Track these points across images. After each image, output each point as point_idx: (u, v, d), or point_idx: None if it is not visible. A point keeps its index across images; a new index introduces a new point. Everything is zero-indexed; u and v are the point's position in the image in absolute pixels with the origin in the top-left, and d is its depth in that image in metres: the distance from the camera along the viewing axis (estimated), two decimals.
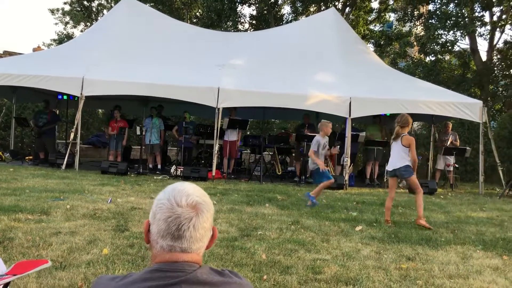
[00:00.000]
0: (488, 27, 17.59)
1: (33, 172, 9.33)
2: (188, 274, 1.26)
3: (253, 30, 22.60)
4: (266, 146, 13.00)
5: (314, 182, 7.93)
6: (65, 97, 12.81)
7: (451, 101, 10.65)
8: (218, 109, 10.24)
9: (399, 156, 6.05)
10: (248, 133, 17.31)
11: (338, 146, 9.92)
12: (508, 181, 10.90)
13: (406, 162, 5.98)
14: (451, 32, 17.77)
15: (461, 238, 5.35)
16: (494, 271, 4.02)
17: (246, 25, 24.64)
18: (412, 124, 12.39)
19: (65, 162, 10.32)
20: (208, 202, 1.35)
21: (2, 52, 19.30)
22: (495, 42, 18.20)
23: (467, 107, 10.54)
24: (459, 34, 17.76)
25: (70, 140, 10.67)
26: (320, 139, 7.35)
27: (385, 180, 12.13)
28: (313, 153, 7.31)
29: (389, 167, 6.20)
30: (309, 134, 11.37)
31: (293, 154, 13.44)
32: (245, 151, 14.77)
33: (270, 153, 13.96)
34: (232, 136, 11.45)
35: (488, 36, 17.92)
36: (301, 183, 10.94)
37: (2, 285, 1.63)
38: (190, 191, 1.33)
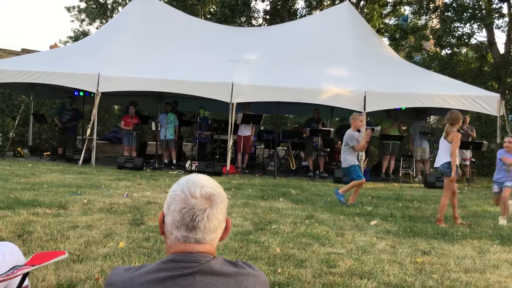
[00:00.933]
0: (506, 19, 17.23)
1: (50, 168, 9.49)
2: (202, 265, 1.27)
3: (267, 25, 22.53)
4: (280, 141, 12.98)
5: (347, 181, 7.57)
6: (81, 93, 12.96)
7: (468, 94, 10.49)
8: (232, 104, 10.26)
9: (444, 153, 5.91)
10: (262, 128, 17.30)
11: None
12: None
13: (449, 159, 5.81)
14: (468, 24, 17.46)
15: (478, 232, 5.29)
16: (511, 265, 3.97)
17: (260, 20, 24.58)
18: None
19: (81, 158, 10.46)
20: (221, 194, 1.36)
21: (20, 50, 19.58)
22: None
23: (484, 101, 10.38)
24: (476, 27, 17.45)
25: (87, 136, 10.81)
26: (355, 133, 7.07)
27: (400, 174, 12.07)
28: (354, 149, 7.03)
29: (436, 164, 6.12)
30: (324, 128, 11.36)
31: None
32: (259, 146, 14.77)
33: (284, 148, 13.94)
34: (246, 131, 11.46)
35: (506, 28, 17.56)
36: (316, 177, 10.92)
37: (21, 275, 1.67)
38: (204, 183, 1.35)
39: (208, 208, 1.31)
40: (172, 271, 1.26)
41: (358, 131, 7.35)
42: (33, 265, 1.69)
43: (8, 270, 1.65)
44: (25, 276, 1.71)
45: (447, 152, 5.85)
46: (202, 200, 1.31)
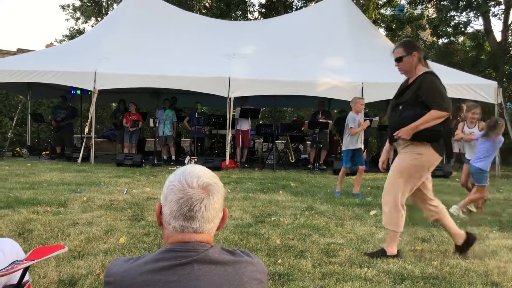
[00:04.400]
0: (502, 6, 17.21)
1: (50, 167, 9.49)
2: (200, 254, 1.29)
3: (262, 19, 22.47)
4: (279, 134, 12.98)
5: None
6: (78, 91, 12.94)
7: (465, 83, 10.50)
8: (230, 98, 10.25)
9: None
10: (261, 122, 17.30)
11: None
12: None
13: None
14: (464, 13, 17.44)
15: (477, 219, 5.32)
16: (510, 251, 4.00)
17: (256, 14, 24.53)
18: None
19: (80, 156, 10.47)
20: (218, 184, 1.37)
21: (16, 50, 19.52)
22: (509, 22, 17.80)
23: (481, 89, 10.40)
24: (472, 15, 17.43)
25: (85, 134, 10.81)
26: (356, 116, 6.93)
27: None
28: (353, 131, 6.85)
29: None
30: (322, 121, 11.35)
31: (308, 142, 13.41)
32: (258, 140, 14.77)
33: (283, 141, 13.94)
34: (245, 125, 11.46)
35: (503, 15, 17.55)
36: (315, 170, 10.93)
37: (21, 270, 1.68)
38: (200, 173, 1.35)
39: (205, 198, 1.32)
40: (171, 260, 1.27)
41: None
42: (33, 260, 1.70)
43: (8, 265, 1.66)
44: (25, 270, 1.72)
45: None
46: (199, 190, 1.32)
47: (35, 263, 1.73)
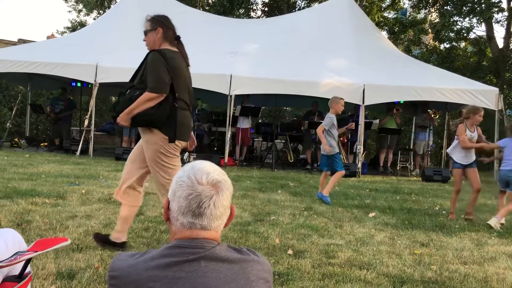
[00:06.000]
0: (506, 13, 17.21)
1: (48, 158, 9.46)
2: (207, 251, 1.28)
3: (265, 17, 22.43)
4: (278, 133, 12.97)
5: (321, 168, 6.94)
6: (78, 84, 12.89)
7: (466, 88, 10.49)
8: (231, 96, 10.23)
9: None
10: (260, 121, 17.28)
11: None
12: None
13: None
14: (467, 18, 17.43)
15: (476, 225, 5.32)
16: (509, 257, 4.00)
17: (259, 12, 24.49)
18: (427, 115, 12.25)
19: (79, 149, 10.44)
20: (227, 181, 1.37)
21: (17, 40, 19.46)
22: None
23: (482, 95, 10.39)
24: (475, 21, 17.42)
25: (85, 127, 10.77)
26: (334, 117, 6.58)
27: (398, 168, 12.08)
28: (321, 131, 6.55)
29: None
30: (321, 121, 11.32)
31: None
32: (257, 139, 14.76)
33: (282, 141, 13.92)
34: (245, 123, 11.44)
35: (505, 22, 17.55)
36: (313, 170, 10.93)
37: (24, 261, 1.67)
38: (209, 170, 1.35)
39: (214, 195, 1.31)
40: (177, 256, 1.26)
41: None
42: (36, 251, 1.69)
43: (11, 256, 1.64)
44: (28, 262, 1.71)
45: None
46: (208, 187, 1.31)
47: (38, 254, 1.72)
